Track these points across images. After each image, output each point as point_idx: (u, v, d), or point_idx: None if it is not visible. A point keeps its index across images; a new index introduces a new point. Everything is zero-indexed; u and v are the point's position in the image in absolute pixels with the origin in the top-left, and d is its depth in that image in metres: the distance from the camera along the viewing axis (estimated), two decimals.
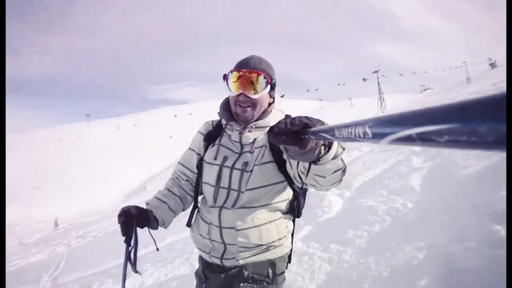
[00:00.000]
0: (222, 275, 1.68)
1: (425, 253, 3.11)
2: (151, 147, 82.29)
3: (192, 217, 1.83)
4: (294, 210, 1.72)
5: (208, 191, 1.69)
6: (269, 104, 1.68)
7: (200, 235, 1.70)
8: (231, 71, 1.57)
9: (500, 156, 4.79)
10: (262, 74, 1.55)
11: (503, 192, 3.56)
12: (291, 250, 1.76)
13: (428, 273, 2.79)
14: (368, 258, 3.35)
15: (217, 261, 1.66)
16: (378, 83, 71.85)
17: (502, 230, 2.88)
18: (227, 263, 1.64)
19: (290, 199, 1.69)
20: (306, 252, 3.94)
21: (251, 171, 1.57)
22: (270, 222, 1.61)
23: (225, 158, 1.64)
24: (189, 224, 1.83)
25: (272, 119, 1.63)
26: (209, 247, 1.68)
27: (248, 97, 1.55)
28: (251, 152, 1.60)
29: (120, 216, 1.64)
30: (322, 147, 1.04)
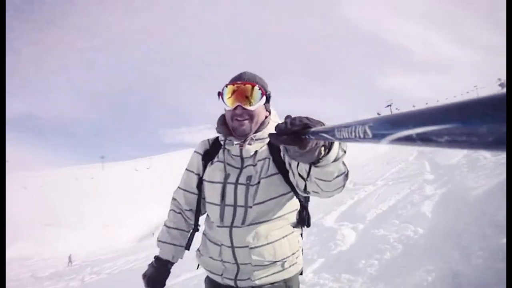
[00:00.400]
0: None
1: (434, 276, 3.12)
2: (165, 190, 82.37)
3: (192, 240, 1.80)
4: (304, 220, 1.68)
5: (213, 210, 1.63)
6: (266, 117, 1.67)
7: (211, 257, 1.64)
8: (226, 86, 1.58)
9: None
10: (257, 86, 1.55)
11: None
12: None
13: None
14: (377, 285, 3.36)
15: (231, 283, 1.59)
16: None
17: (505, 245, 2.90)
18: (242, 284, 1.57)
19: (298, 209, 1.66)
20: (317, 283, 3.89)
21: (258, 184, 1.53)
22: (283, 237, 1.57)
23: (228, 175, 1.60)
24: (188, 247, 1.79)
25: (271, 130, 1.59)
26: (221, 269, 1.61)
27: (245, 109, 1.54)
28: (254, 165, 1.57)
29: (147, 285, 1.72)
30: (322, 148, 1.02)
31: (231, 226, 1.55)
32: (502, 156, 6.51)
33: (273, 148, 1.55)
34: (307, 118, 0.86)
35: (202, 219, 1.83)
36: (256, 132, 1.61)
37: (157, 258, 1.77)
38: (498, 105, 0.28)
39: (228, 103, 1.57)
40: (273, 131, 1.56)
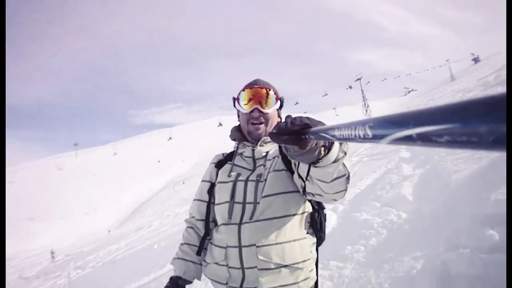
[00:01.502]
0: None
1: (422, 263, 3.15)
2: (140, 172, 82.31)
3: (202, 245, 1.72)
4: (317, 224, 1.61)
5: (221, 209, 1.60)
6: (278, 123, 1.66)
7: (216, 263, 1.58)
8: (243, 90, 1.64)
9: (489, 159, 4.86)
10: (272, 90, 1.64)
11: (494, 196, 3.60)
12: (316, 282, 1.60)
13: (427, 283, 2.83)
14: (368, 272, 3.37)
15: None
16: (362, 90, 72.73)
17: (495, 235, 2.93)
18: None
19: (310, 212, 1.60)
20: None
21: (266, 180, 1.54)
22: (294, 240, 1.50)
23: (238, 174, 1.61)
24: (199, 252, 1.72)
25: None
26: (225, 277, 1.54)
27: (262, 112, 1.60)
28: (264, 165, 1.59)
29: None
30: (322, 148, 1.03)
31: (239, 223, 1.51)
32: None
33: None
34: (307, 118, 0.87)
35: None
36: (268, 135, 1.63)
37: (170, 277, 1.69)
38: (498, 105, 0.28)
39: (245, 106, 1.63)
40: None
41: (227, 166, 1.68)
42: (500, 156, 4.69)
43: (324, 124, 0.84)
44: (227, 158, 1.75)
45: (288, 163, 1.52)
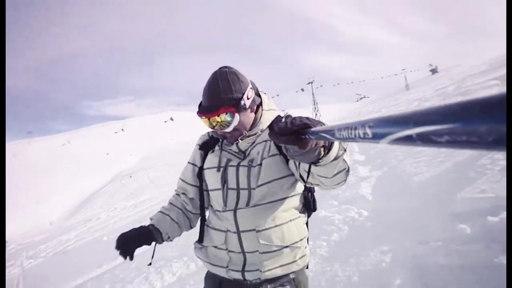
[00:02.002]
0: None
1: (391, 256, 3.21)
2: (89, 164, 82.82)
3: (203, 231, 1.69)
4: (309, 203, 1.66)
5: (215, 196, 1.60)
6: (257, 108, 1.62)
7: (215, 246, 1.58)
8: (199, 116, 1.51)
9: (452, 162, 5.00)
10: (225, 112, 1.45)
11: (461, 195, 3.73)
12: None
13: (399, 274, 2.88)
14: (333, 266, 3.38)
15: (237, 275, 1.52)
16: (313, 93, 74.53)
17: (467, 228, 3.03)
18: (250, 276, 1.51)
19: (302, 192, 1.64)
20: None
21: (260, 165, 1.51)
22: (290, 221, 1.54)
23: (229, 160, 1.57)
24: (201, 240, 1.68)
25: (265, 122, 1.60)
26: (225, 260, 1.55)
27: (223, 132, 1.53)
28: (254, 148, 1.56)
29: (118, 246, 1.52)
30: (322, 149, 1.04)
31: (235, 209, 1.51)
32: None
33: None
34: (307, 118, 0.88)
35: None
36: (250, 129, 1.59)
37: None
38: (498, 105, 0.29)
39: (208, 127, 1.54)
40: (268, 121, 1.55)
41: (215, 152, 1.64)
42: (464, 159, 4.87)
43: (323, 124, 0.85)
44: (212, 140, 1.69)
45: (280, 147, 1.46)
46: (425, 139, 0.38)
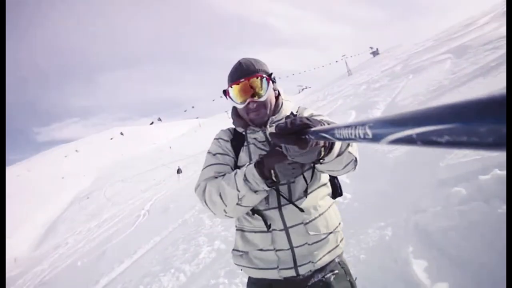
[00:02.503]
0: None
1: (391, 230, 3.25)
2: (47, 190, 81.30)
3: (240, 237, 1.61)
4: (337, 188, 1.71)
5: None
6: (277, 98, 1.65)
7: (260, 249, 1.52)
8: (230, 86, 1.54)
9: None
10: (260, 76, 1.52)
11: (445, 162, 3.79)
12: None
13: (408, 243, 2.89)
14: None
15: (291, 273, 1.49)
16: None
17: (462, 190, 3.06)
18: (303, 271, 1.48)
19: (329, 179, 1.67)
20: None
21: None
22: (329, 207, 1.58)
23: (260, 155, 1.47)
24: (239, 246, 1.62)
25: (287, 110, 1.63)
26: (274, 261, 1.50)
27: (257, 101, 1.52)
28: None
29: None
30: (322, 149, 1.06)
31: (279, 206, 1.48)
32: None
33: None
34: (307, 118, 0.89)
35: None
36: (273, 115, 1.60)
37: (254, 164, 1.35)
38: (498, 105, 0.29)
39: (238, 100, 1.54)
40: (289, 110, 1.57)
41: (246, 150, 1.58)
42: None
43: (323, 124, 0.86)
44: (236, 137, 1.64)
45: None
46: (425, 139, 0.38)
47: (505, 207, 2.53)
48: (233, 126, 1.71)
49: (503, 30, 10.94)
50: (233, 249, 1.64)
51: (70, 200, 64.21)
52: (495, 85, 5.75)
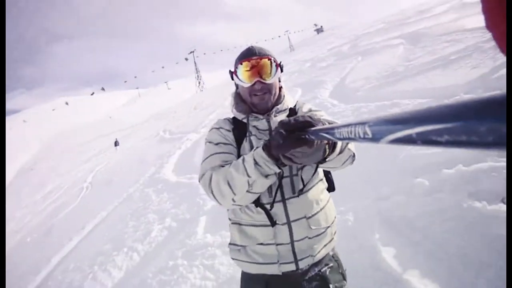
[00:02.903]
0: (304, 282, 1.51)
1: (353, 215, 3.30)
2: None
3: (238, 231, 1.55)
4: (331, 183, 1.72)
5: None
6: (280, 89, 1.64)
7: (260, 244, 1.49)
8: (240, 63, 1.52)
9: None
10: (272, 59, 1.53)
11: (405, 153, 3.89)
12: None
13: (374, 229, 2.96)
14: None
15: (291, 267, 1.48)
16: (195, 62, 77.45)
17: (425, 181, 3.16)
18: (303, 264, 1.48)
19: (323, 173, 1.68)
20: (224, 243, 3.99)
21: None
22: (327, 202, 1.60)
23: None
24: (236, 240, 1.57)
25: (289, 102, 1.63)
26: (275, 256, 1.48)
27: (264, 83, 1.51)
28: None
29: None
30: (327, 146, 1.06)
31: (283, 200, 1.46)
32: (357, 105, 6.82)
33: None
34: (309, 116, 0.89)
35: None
36: (276, 104, 1.59)
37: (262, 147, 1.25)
38: (498, 105, 0.29)
39: (246, 79, 1.52)
40: (291, 103, 1.63)
41: (248, 141, 1.52)
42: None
43: (324, 123, 0.87)
44: (237, 127, 1.59)
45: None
46: (425, 139, 0.38)
47: (471, 201, 2.67)
48: (232, 116, 1.67)
49: (462, 22, 10.75)
50: (230, 243, 1.60)
51: (16, 172, 61.23)
52: (456, 79, 5.86)
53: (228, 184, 1.29)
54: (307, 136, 0.86)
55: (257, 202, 1.46)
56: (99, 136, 46.86)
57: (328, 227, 1.55)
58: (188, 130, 14.56)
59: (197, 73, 75.50)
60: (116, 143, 24.77)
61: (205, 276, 3.41)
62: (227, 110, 15.23)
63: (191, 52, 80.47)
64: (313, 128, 0.84)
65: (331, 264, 1.58)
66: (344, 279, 1.62)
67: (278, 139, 0.96)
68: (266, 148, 1.19)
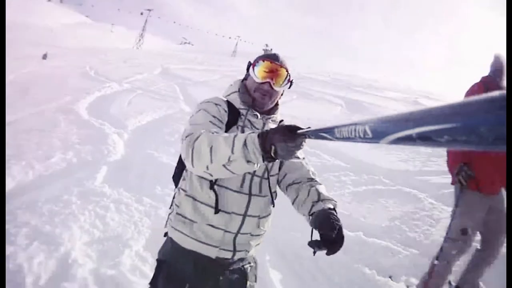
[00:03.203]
0: (227, 272, 1.58)
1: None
2: None
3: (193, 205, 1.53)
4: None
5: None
6: (277, 102, 1.77)
7: (210, 225, 1.49)
8: (263, 60, 1.62)
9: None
10: (289, 72, 1.65)
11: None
12: None
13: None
14: None
15: (228, 255, 1.53)
16: (146, 20, 79.51)
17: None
18: (238, 256, 1.57)
19: None
20: (120, 200, 3.92)
21: None
22: (271, 212, 1.69)
23: None
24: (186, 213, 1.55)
25: (279, 115, 1.76)
26: (219, 240, 1.51)
27: (272, 87, 1.61)
28: None
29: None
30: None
31: (249, 194, 1.53)
32: None
33: None
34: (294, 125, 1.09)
35: None
36: (270, 112, 1.69)
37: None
38: (498, 105, 0.29)
39: (260, 76, 1.60)
40: (280, 116, 1.77)
41: (239, 127, 1.58)
42: None
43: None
44: (231, 110, 1.61)
45: None
46: (425, 139, 0.39)
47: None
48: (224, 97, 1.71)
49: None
50: (177, 213, 1.56)
51: None
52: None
53: (210, 148, 1.24)
54: (307, 136, 0.92)
55: (212, 185, 1.48)
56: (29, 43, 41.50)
57: (265, 231, 1.68)
58: (112, 78, 14.19)
59: (142, 31, 76.15)
60: (45, 56, 22.81)
61: (95, 224, 3.29)
62: (154, 77, 16.56)
63: (148, 10, 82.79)
64: (313, 128, 0.86)
65: (252, 264, 1.71)
66: (256, 280, 1.74)
67: (283, 129, 1.06)
68: (261, 136, 1.16)
